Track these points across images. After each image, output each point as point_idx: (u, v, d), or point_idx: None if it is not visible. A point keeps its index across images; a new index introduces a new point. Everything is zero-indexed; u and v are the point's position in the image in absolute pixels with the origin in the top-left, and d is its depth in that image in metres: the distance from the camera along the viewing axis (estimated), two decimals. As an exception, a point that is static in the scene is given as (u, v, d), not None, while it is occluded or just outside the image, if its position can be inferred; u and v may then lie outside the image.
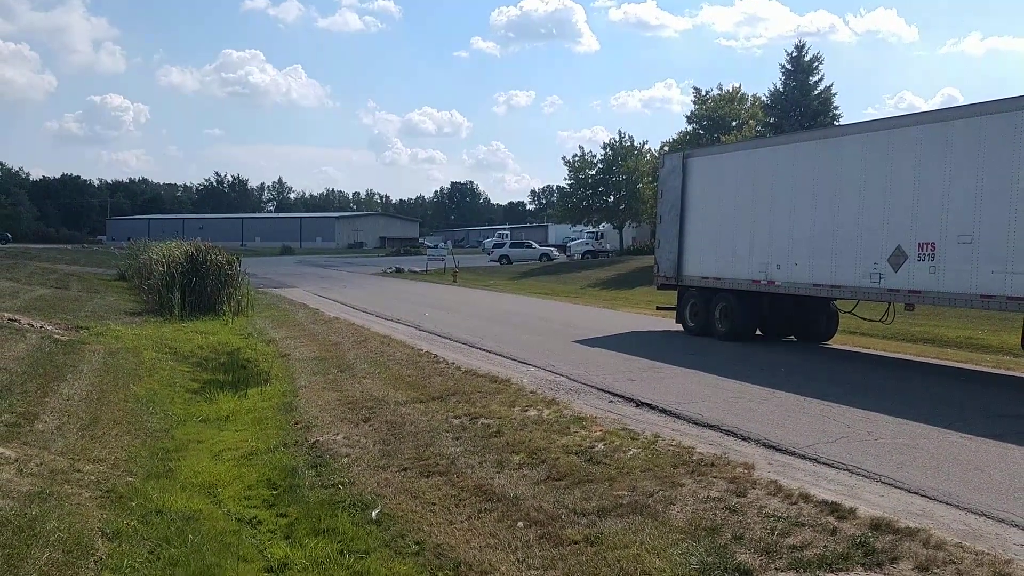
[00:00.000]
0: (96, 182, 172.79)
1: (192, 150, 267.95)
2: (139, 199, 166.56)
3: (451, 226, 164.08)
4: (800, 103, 52.00)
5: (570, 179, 61.84)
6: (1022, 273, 12.47)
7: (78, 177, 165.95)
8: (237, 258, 27.68)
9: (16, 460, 8.22)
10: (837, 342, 18.65)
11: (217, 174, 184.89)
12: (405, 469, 8.72)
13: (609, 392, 12.16)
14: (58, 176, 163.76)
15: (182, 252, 26.46)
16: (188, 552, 6.65)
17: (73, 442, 9.44)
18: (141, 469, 9.00)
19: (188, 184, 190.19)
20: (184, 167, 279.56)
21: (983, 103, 13.58)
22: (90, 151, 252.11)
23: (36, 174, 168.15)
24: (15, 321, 18.09)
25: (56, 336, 16.97)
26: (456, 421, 10.43)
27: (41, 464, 8.30)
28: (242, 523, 7.69)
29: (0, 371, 12.28)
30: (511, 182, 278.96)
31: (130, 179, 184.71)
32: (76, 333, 18.20)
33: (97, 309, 24.41)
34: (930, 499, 7.17)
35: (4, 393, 10.97)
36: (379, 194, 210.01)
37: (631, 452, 8.67)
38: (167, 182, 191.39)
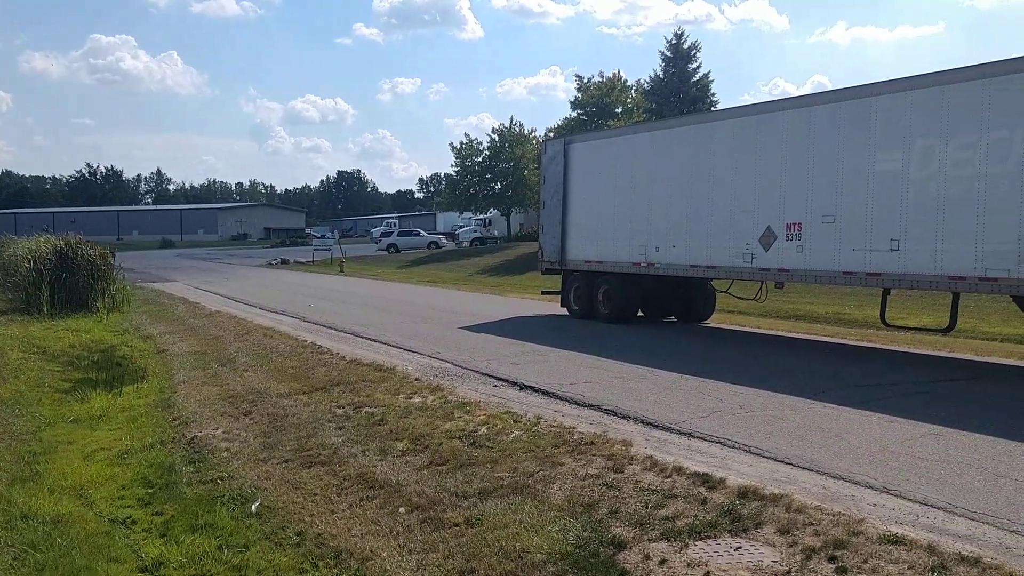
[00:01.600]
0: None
1: (61, 140, 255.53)
2: (3, 192, 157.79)
3: (338, 216, 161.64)
4: (679, 90, 53.38)
5: (457, 166, 61.88)
6: (879, 250, 13.20)
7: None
8: (111, 252, 26.65)
9: None
10: (715, 321, 19.32)
11: (89, 165, 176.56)
12: (287, 461, 8.62)
13: (494, 377, 12.28)
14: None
15: (51, 247, 25.26)
16: (56, 556, 6.42)
17: (-70, 449, 8.95)
18: (5, 474, 8.61)
19: (57, 176, 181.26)
20: (53, 158, 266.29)
21: (841, 90, 14.29)
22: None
23: None
24: None
25: (-89, 338, 15.99)
26: (340, 411, 10.36)
27: None
28: (115, 523, 7.46)
29: None
30: (399, 170, 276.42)
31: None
32: (-66, 335, 17.19)
33: (-42, 309, 23.10)
34: (794, 466, 7.54)
35: None
36: (263, 184, 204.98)
37: (514, 434, 8.80)
38: (34, 174, 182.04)
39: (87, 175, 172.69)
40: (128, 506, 7.92)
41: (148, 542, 6.97)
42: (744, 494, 6.59)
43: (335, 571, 6.09)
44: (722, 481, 6.93)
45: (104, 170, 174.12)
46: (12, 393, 12.50)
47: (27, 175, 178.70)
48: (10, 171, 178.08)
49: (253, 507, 7.37)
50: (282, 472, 8.29)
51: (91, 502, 8.04)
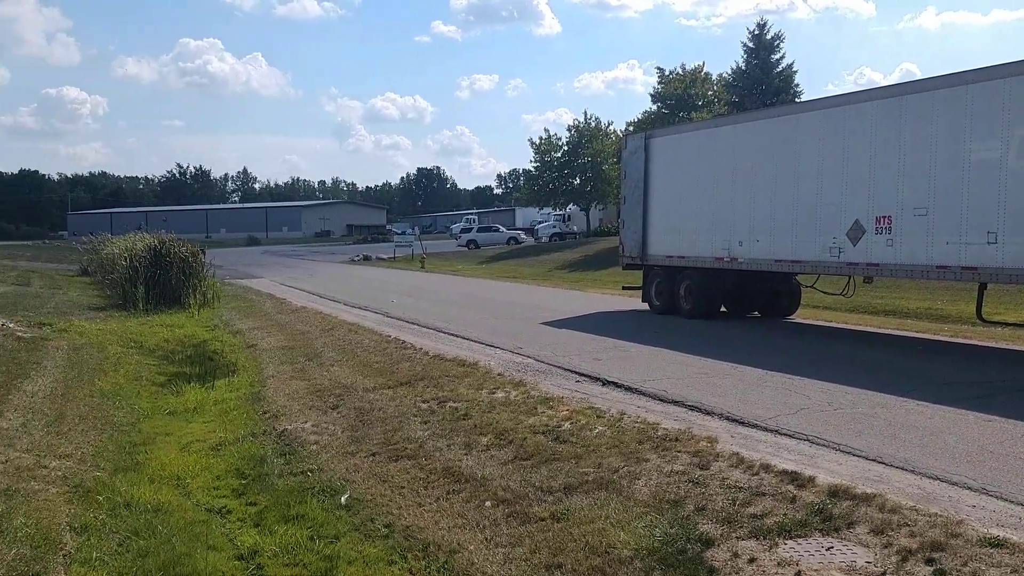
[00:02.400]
0: (55, 177, 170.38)
1: (152, 142, 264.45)
2: (100, 193, 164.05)
3: (418, 212, 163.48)
4: (762, 81, 52.28)
5: (536, 162, 61.80)
6: (975, 244, 12.74)
7: (36, 172, 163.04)
8: (202, 249, 27.46)
9: (-20, 458, 8.17)
10: (800, 316, 18.93)
11: (179, 166, 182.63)
12: (374, 454, 8.78)
13: (576, 372, 12.28)
14: (15, 172, 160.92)
15: (145, 245, 26.19)
16: (157, 543, 6.67)
17: (39, 439, 9.39)
18: (108, 463, 8.97)
19: (150, 177, 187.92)
20: (145, 159, 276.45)
21: (933, 78, 13.83)
22: (47, 145, 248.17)
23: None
24: (-24, 319, 17.86)
25: (18, 333, 16.78)
26: (424, 405, 10.50)
27: (6, 461, 8.26)
28: (211, 513, 7.72)
29: (-38, 370, 12.16)
30: (477, 166, 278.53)
31: (90, 173, 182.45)
32: (39, 330, 17.99)
33: (60, 305, 24.12)
34: (887, 465, 7.35)
35: (-34, 392, 10.87)
36: (345, 182, 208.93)
37: (597, 430, 8.80)
38: (128, 175, 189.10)
39: (177, 175, 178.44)
40: (223, 496, 8.18)
41: (243, 531, 7.20)
42: (835, 493, 6.46)
43: (423, 563, 6.19)
44: (811, 479, 6.81)
45: (193, 170, 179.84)
46: (112, 386, 13.02)
47: (121, 175, 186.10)
48: (106, 172, 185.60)
49: (342, 499, 7.54)
50: (370, 465, 8.45)
51: (188, 492, 8.34)
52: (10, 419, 9.99)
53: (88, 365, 14.41)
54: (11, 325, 17.95)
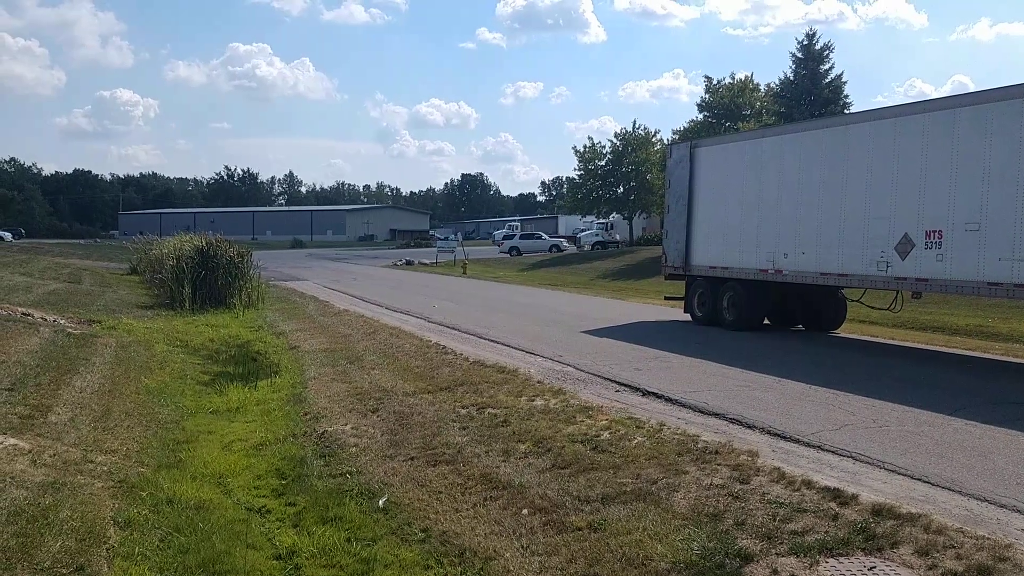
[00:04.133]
0: (108, 177, 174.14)
1: (201, 144, 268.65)
2: (150, 193, 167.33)
3: (461, 218, 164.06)
4: (811, 92, 51.73)
5: (580, 170, 61.80)
6: (1029, 260, 12.46)
7: (89, 172, 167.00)
8: (248, 251, 27.82)
9: (30, 451, 8.34)
10: (845, 331, 18.66)
11: (227, 168, 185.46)
12: (412, 458, 8.81)
13: (616, 381, 12.22)
14: (70, 171, 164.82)
15: (193, 246, 26.64)
16: (198, 540, 6.76)
17: (86, 433, 9.56)
18: (152, 460, 9.11)
19: (199, 178, 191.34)
20: (194, 161, 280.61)
21: (989, 90, 13.55)
22: (100, 146, 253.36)
23: (48, 169, 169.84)
24: (29, 315, 18.28)
25: (69, 330, 17.13)
26: (463, 411, 10.52)
27: (54, 455, 8.42)
28: (251, 512, 7.80)
29: (14, 364, 12.44)
30: (520, 173, 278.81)
31: (141, 173, 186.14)
32: (88, 327, 18.36)
33: (109, 303, 24.59)
34: (933, 485, 7.21)
35: (18, 386, 11.11)
36: (389, 186, 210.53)
37: (636, 440, 8.74)
38: (177, 176, 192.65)
39: (225, 177, 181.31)
40: (263, 496, 8.27)
41: (282, 531, 7.27)
42: (878, 512, 6.34)
43: (459, 569, 6.19)
44: (854, 497, 6.70)
45: (241, 172, 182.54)
46: (158, 383, 13.23)
47: (171, 177, 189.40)
48: (156, 173, 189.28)
49: (380, 502, 7.57)
50: (408, 469, 8.48)
51: (229, 490, 8.43)
52: (59, 414, 10.19)
53: (135, 363, 14.66)
54: (62, 321, 18.33)
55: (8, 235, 78.17)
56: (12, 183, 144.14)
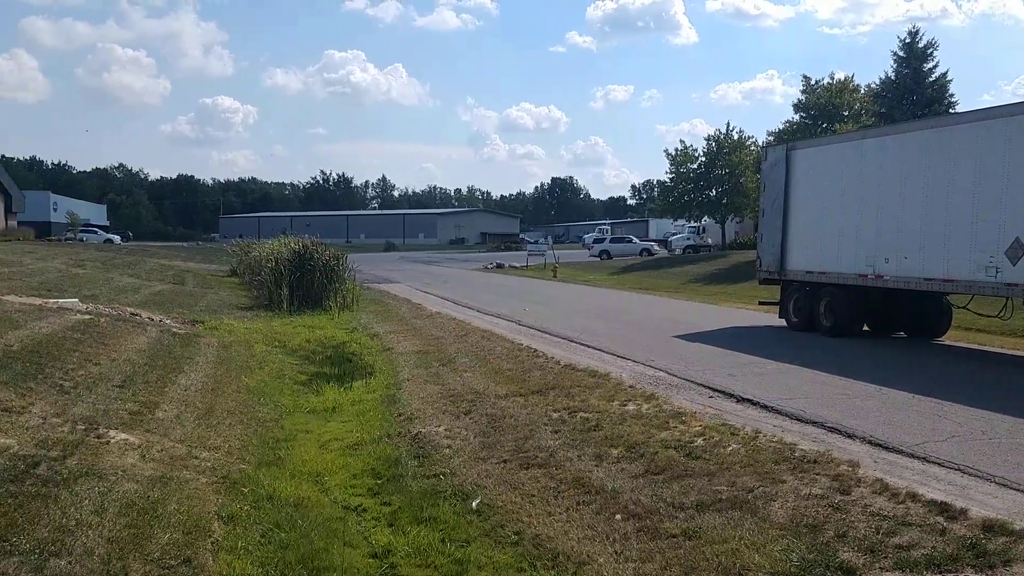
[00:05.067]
0: (209, 182, 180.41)
1: (298, 149, 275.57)
2: (249, 197, 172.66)
3: (551, 222, 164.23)
4: (913, 91, 49.99)
5: (671, 173, 61.07)
6: None
7: (192, 177, 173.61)
8: (343, 254, 28.40)
9: (140, 446, 8.70)
10: (950, 338, 17.96)
11: (323, 172, 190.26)
12: (505, 461, 8.86)
13: (709, 387, 12.04)
14: (174, 177, 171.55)
15: (290, 249, 27.34)
16: (297, 536, 6.94)
17: (191, 430, 9.92)
18: (253, 457, 9.39)
19: (295, 183, 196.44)
20: (290, 166, 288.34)
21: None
22: (202, 152, 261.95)
23: (154, 175, 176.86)
24: (137, 315, 19.06)
25: (174, 330, 17.80)
26: (555, 415, 10.52)
27: (162, 450, 8.76)
28: (348, 510, 7.97)
29: (124, 362, 12.98)
30: (610, 177, 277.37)
31: (240, 178, 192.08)
32: (192, 327, 19.05)
33: (211, 304, 25.46)
34: (1049, 501, 6.88)
35: (128, 383, 11.60)
36: (480, 190, 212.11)
37: (731, 447, 8.60)
38: (275, 181, 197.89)
39: (321, 181, 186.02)
40: (359, 495, 8.44)
41: (377, 530, 7.40)
42: (989, 528, 6.09)
43: (552, 573, 6.20)
44: (963, 512, 6.44)
45: (336, 176, 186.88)
46: (258, 383, 13.63)
47: (269, 181, 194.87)
48: (255, 178, 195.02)
49: (474, 504, 7.64)
50: (501, 472, 8.53)
51: (326, 488, 8.64)
52: (166, 410, 10.59)
53: (236, 362, 15.14)
54: (168, 321, 19.06)
55: (117, 238, 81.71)
56: (121, 188, 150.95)
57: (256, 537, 6.90)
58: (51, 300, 19.19)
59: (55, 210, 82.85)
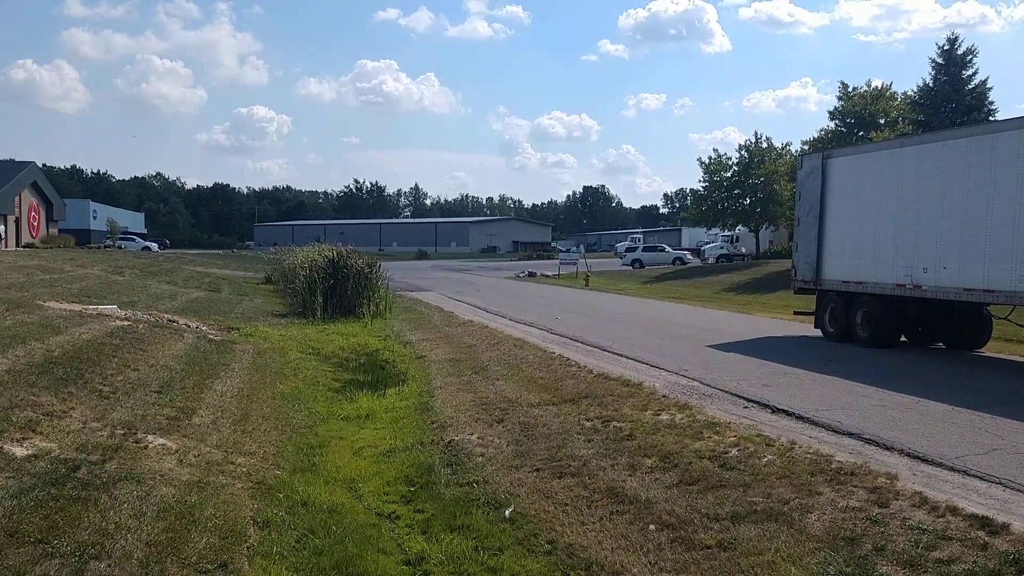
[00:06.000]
0: (244, 190, 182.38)
1: (331, 158, 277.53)
2: (283, 206, 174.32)
3: (583, 230, 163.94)
4: (952, 99, 49.31)
5: (705, 181, 60.68)
6: None
7: (227, 185, 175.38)
8: (376, 262, 28.58)
9: (177, 451, 8.80)
10: (990, 350, 17.67)
11: (356, 181, 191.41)
12: (538, 470, 8.85)
13: (743, 397, 11.94)
14: (210, 185, 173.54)
15: (324, 257, 27.55)
16: (332, 543, 6.98)
17: (226, 436, 10.02)
18: (288, 463, 9.46)
19: (329, 191, 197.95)
20: (324, 174, 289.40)
21: None
22: (237, 160, 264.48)
23: (191, 183, 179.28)
24: (174, 322, 19.30)
25: (210, 336, 18.00)
26: (588, 424, 10.49)
27: (199, 455, 8.86)
28: (381, 517, 8.01)
29: (162, 368, 13.15)
30: (642, 185, 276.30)
31: (274, 187, 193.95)
32: (228, 333, 19.25)
33: (246, 311, 25.71)
34: (1093, 517, 6.74)
35: (166, 389, 11.75)
36: (512, 199, 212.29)
37: (766, 459, 8.52)
38: (309, 189, 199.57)
39: (354, 190, 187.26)
40: (392, 502, 8.47)
41: (411, 537, 7.42)
42: (1032, 543, 5.98)
43: (586, 582, 6.17)
44: (1005, 526, 6.33)
45: (369, 185, 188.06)
46: (292, 389, 13.74)
47: (303, 190, 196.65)
48: (289, 186, 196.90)
49: (507, 512, 7.63)
50: (534, 480, 8.52)
51: (360, 495, 8.68)
52: (203, 416, 10.71)
53: (271, 369, 15.28)
54: (204, 328, 19.28)
55: (155, 245, 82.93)
56: (158, 196, 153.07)
57: (291, 543, 6.95)
58: (91, 306, 19.50)
59: (95, 218, 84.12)
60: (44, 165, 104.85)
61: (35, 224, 58.82)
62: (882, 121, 52.57)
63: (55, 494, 6.83)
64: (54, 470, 7.39)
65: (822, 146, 44.40)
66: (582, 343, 18.28)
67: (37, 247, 52.28)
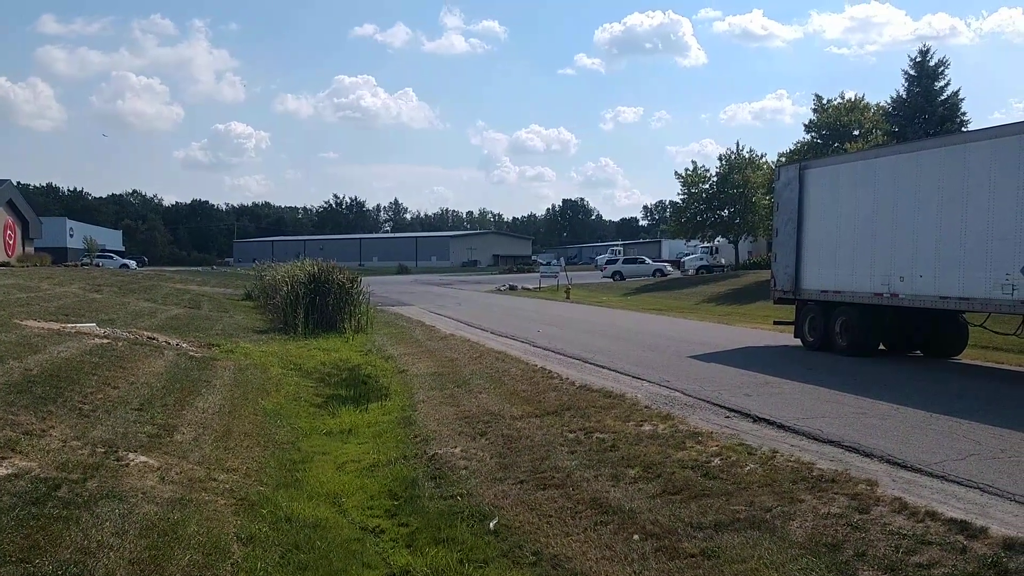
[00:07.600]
0: (223, 207, 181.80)
1: (310, 173, 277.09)
2: (263, 222, 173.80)
3: (563, 243, 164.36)
4: (924, 110, 50.02)
5: (683, 193, 61.02)
6: None
7: (206, 202, 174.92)
8: (357, 277, 28.52)
9: (159, 468, 8.75)
10: (967, 357, 17.88)
11: (336, 196, 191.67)
12: (521, 482, 8.87)
13: (725, 407, 12.02)
14: (188, 202, 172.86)
15: (305, 272, 27.46)
16: (316, 558, 6.96)
17: (209, 452, 9.97)
18: (271, 479, 9.43)
19: (308, 207, 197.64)
20: (303, 190, 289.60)
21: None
22: (215, 177, 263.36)
23: (169, 200, 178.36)
24: (154, 339, 19.18)
25: (190, 353, 17.90)
26: (571, 435, 10.52)
27: (181, 472, 8.81)
28: (366, 531, 7.99)
29: (142, 385, 13.06)
30: (621, 198, 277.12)
31: (253, 203, 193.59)
32: (208, 350, 19.14)
33: (227, 327, 25.57)
34: (1069, 519, 6.84)
35: (146, 406, 11.67)
36: (492, 212, 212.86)
37: (748, 467, 8.59)
38: (288, 205, 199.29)
39: (333, 205, 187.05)
40: (377, 516, 8.46)
41: (396, 551, 7.42)
42: (1010, 546, 6.06)
43: (571, 593, 6.19)
44: (983, 530, 6.41)
45: (348, 200, 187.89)
46: (274, 405, 13.70)
47: (282, 206, 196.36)
48: (268, 202, 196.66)
49: (491, 525, 7.65)
50: (517, 492, 8.54)
51: (344, 510, 8.66)
52: (184, 433, 10.65)
53: (252, 385, 15.21)
54: (184, 345, 19.17)
55: (133, 263, 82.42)
56: (136, 214, 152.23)
57: (275, 558, 6.93)
58: (69, 325, 19.34)
59: (71, 236, 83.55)
60: (19, 183, 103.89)
61: (11, 243, 58.24)
62: (856, 132, 53.20)
63: (36, 513, 6.78)
64: (34, 489, 7.33)
65: (798, 158, 44.80)
66: (564, 355, 18.33)
67: (13, 266, 51.74)
